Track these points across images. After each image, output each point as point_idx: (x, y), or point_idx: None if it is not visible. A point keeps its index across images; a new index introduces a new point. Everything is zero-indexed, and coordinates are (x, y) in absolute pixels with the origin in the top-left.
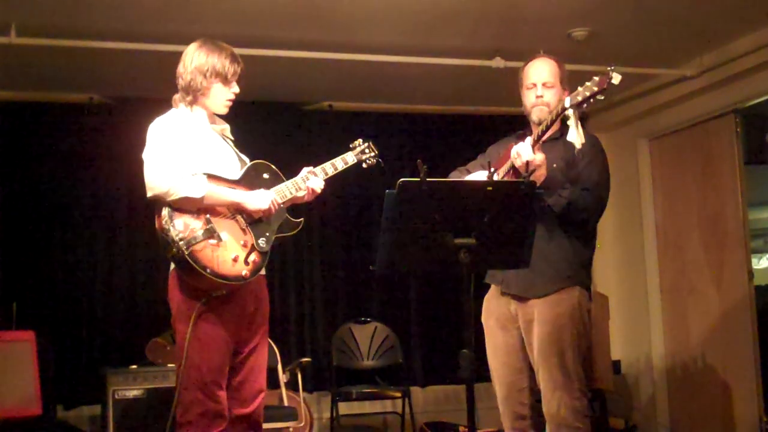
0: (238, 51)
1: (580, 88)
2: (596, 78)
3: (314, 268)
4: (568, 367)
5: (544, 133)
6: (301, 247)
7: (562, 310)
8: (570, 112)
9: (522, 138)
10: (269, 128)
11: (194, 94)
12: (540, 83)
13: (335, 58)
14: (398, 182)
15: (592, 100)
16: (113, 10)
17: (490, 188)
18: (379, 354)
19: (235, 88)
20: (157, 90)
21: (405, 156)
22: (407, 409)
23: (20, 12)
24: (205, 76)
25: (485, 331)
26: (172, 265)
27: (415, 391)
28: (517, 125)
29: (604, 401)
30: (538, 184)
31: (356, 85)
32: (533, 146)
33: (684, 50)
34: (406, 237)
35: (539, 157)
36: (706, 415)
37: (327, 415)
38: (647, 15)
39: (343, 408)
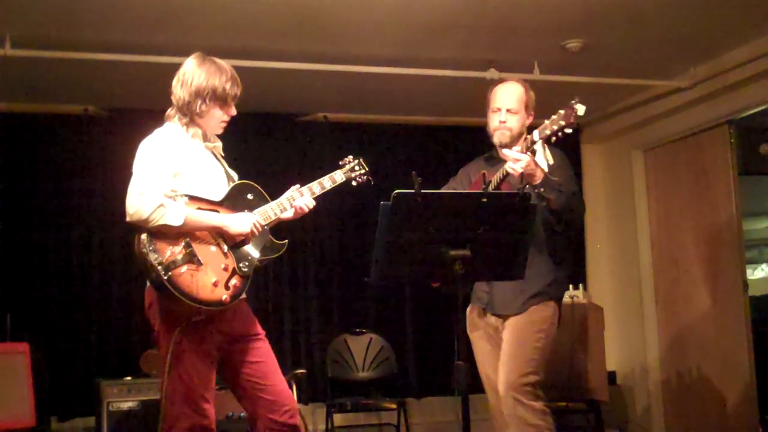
0: (232, 63)
1: (547, 122)
2: (561, 111)
3: (309, 280)
4: (525, 368)
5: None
6: (296, 258)
7: (534, 319)
8: (539, 142)
9: (490, 161)
10: (264, 140)
11: (191, 116)
12: (504, 109)
13: (330, 70)
14: (393, 194)
15: (560, 133)
16: (108, 21)
17: (485, 200)
18: (374, 365)
19: (233, 111)
20: (152, 101)
21: (400, 167)
22: (402, 421)
23: (15, 24)
24: (204, 100)
25: (472, 343)
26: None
27: (411, 402)
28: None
29: (599, 412)
30: (535, 183)
31: (351, 96)
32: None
33: (677, 62)
34: (400, 248)
35: (527, 158)
36: (701, 425)
37: (322, 426)
38: (641, 27)
39: (339, 419)
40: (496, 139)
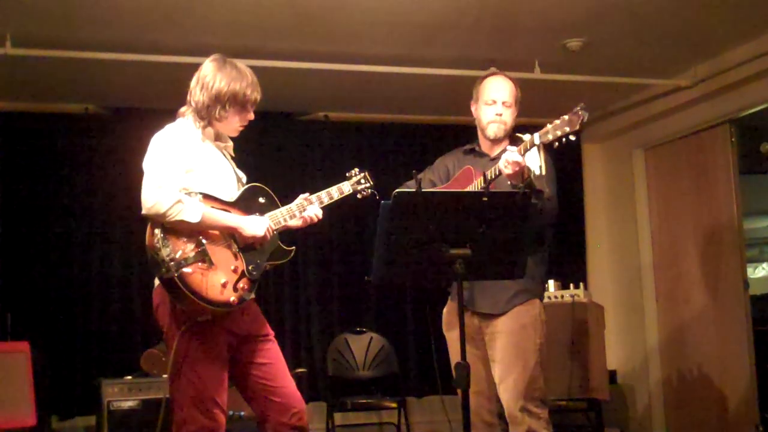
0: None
1: (549, 126)
2: (566, 117)
3: (310, 279)
4: (532, 376)
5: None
6: (297, 257)
7: (526, 322)
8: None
9: (471, 154)
10: (265, 139)
11: (209, 119)
12: (500, 101)
13: (331, 69)
14: (393, 193)
15: (564, 139)
16: (109, 21)
17: (485, 199)
18: (374, 364)
19: (251, 116)
20: (153, 100)
21: (400, 166)
22: (403, 420)
23: (16, 23)
24: (224, 106)
25: (448, 343)
26: (157, 281)
27: (411, 401)
28: (513, 135)
29: (600, 411)
30: (515, 183)
31: (352, 95)
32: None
33: (678, 61)
34: (401, 248)
35: (524, 164)
36: (701, 424)
37: (322, 425)
38: (642, 26)
39: (339, 418)
40: (491, 132)
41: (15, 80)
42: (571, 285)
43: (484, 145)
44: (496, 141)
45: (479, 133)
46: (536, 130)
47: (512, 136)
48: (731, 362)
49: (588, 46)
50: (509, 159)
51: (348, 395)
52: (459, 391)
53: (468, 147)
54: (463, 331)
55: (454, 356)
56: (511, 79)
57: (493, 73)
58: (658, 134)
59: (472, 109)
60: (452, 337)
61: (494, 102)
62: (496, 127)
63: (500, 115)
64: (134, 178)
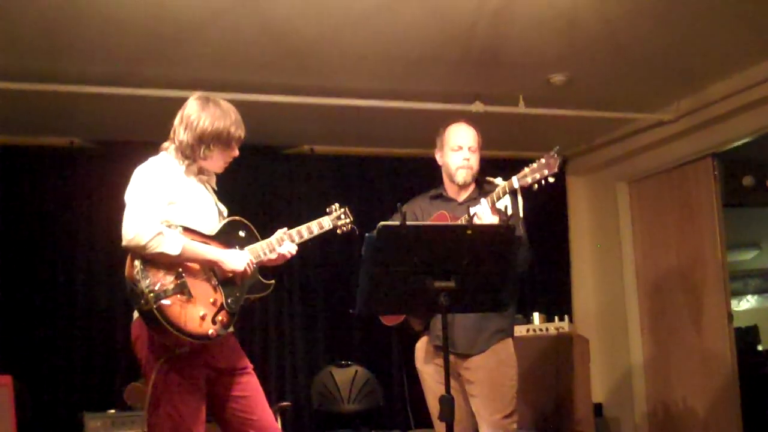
0: (219, 95)
1: (527, 169)
2: (542, 160)
3: (294, 310)
4: (510, 409)
5: (494, 203)
6: (282, 288)
7: (502, 358)
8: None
9: (439, 199)
10: (250, 172)
11: (193, 158)
12: (466, 147)
13: (317, 103)
14: (378, 226)
15: (543, 182)
16: (93, 54)
17: (469, 232)
18: (360, 397)
19: (236, 153)
20: (138, 133)
21: (386, 199)
22: None
23: None
24: (209, 146)
25: (422, 378)
26: (136, 314)
27: None
28: (498, 169)
29: None
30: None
31: (338, 128)
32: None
33: (661, 95)
34: (385, 280)
35: (495, 220)
36: None
37: None
38: (625, 60)
39: None
40: (460, 178)
41: None
42: (556, 317)
43: (451, 190)
44: (463, 186)
45: (445, 178)
46: (521, 164)
47: (478, 180)
48: (716, 394)
49: (572, 80)
50: (477, 213)
51: (333, 429)
52: (437, 424)
53: (434, 193)
54: (448, 363)
55: (429, 390)
56: (473, 126)
57: (454, 122)
58: (642, 167)
59: (437, 156)
60: (428, 371)
61: (460, 148)
62: (465, 173)
63: (468, 160)
64: (119, 212)
